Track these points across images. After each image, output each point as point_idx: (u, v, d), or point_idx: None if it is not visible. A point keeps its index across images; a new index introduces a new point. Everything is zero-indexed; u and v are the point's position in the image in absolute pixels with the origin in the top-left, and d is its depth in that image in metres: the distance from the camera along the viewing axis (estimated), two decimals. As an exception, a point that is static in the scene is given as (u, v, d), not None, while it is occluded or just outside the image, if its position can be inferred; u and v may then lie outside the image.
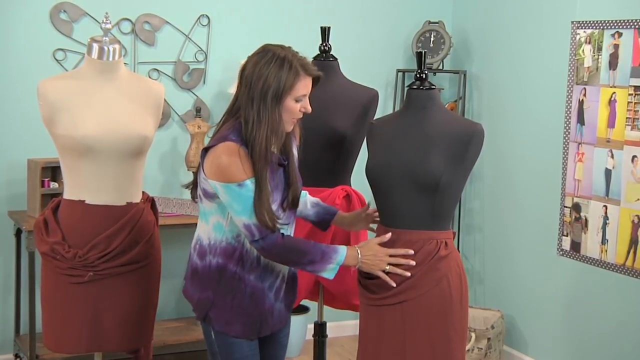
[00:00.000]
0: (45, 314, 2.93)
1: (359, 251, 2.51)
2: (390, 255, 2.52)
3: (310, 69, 2.46)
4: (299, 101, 2.45)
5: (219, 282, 2.50)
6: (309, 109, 2.49)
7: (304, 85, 2.44)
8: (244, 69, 2.45)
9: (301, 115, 2.49)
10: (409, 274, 2.51)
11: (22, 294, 4.04)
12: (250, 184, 2.39)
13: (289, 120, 2.47)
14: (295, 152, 2.59)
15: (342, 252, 2.49)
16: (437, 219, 2.57)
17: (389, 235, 2.54)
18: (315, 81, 2.52)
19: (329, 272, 2.49)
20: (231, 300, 2.50)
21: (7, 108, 4.00)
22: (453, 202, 2.61)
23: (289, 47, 2.48)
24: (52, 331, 2.91)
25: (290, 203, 2.54)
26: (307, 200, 2.77)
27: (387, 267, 2.51)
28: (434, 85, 2.64)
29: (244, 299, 2.49)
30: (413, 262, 2.51)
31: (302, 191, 2.71)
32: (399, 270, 2.51)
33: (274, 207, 2.46)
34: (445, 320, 2.54)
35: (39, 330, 3.28)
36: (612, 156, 3.73)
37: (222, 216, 2.48)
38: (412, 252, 2.52)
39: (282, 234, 2.45)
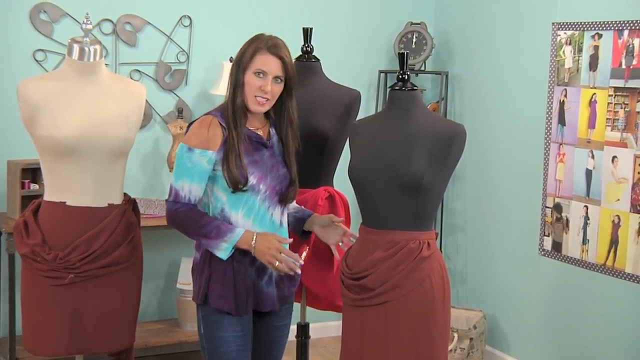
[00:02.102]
0: (25, 316, 2.91)
1: (255, 238, 2.53)
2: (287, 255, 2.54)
3: (272, 47, 2.57)
4: (258, 76, 2.56)
5: (212, 259, 2.59)
6: (267, 88, 2.57)
7: (262, 60, 2.55)
8: None
9: (264, 95, 2.57)
10: (298, 270, 2.55)
11: (1, 297, 4.01)
12: (198, 154, 2.52)
13: (251, 97, 2.57)
14: (292, 148, 2.70)
15: (237, 233, 2.53)
16: (419, 220, 2.57)
17: (290, 240, 2.59)
18: (289, 77, 2.59)
19: (222, 252, 2.53)
20: (223, 274, 2.58)
21: (-14, 109, 3.97)
22: (435, 203, 2.62)
23: (279, 38, 2.62)
24: (32, 334, 2.89)
25: (286, 192, 2.65)
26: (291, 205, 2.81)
27: (277, 264, 2.52)
28: (416, 86, 2.64)
29: (232, 273, 2.58)
30: (299, 270, 2.54)
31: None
32: (285, 269, 2.52)
33: (253, 179, 2.55)
34: (427, 320, 2.55)
35: (19, 333, 3.25)
36: (593, 157, 3.75)
37: (206, 195, 2.60)
38: (290, 240, 2.57)
39: (189, 207, 2.55)
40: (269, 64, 2.56)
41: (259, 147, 2.60)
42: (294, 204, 2.83)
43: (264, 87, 2.56)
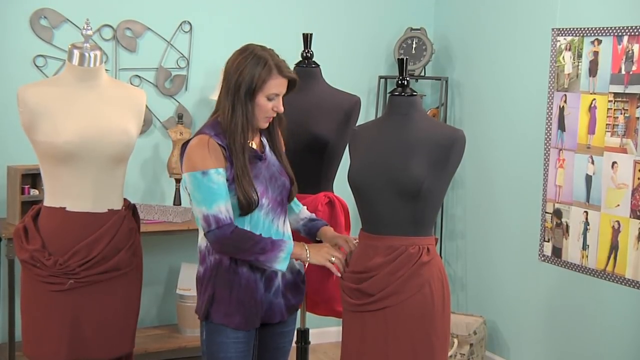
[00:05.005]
0: (25, 322, 2.90)
1: (306, 245, 2.59)
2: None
3: (284, 70, 2.53)
4: (271, 100, 2.53)
5: (217, 277, 2.57)
6: (281, 109, 2.56)
7: (276, 85, 2.52)
8: (226, 65, 2.58)
9: (274, 114, 2.57)
10: (338, 274, 2.61)
11: (1, 302, 4.00)
12: (214, 174, 2.47)
13: (262, 117, 2.56)
14: (281, 145, 2.69)
15: (290, 242, 2.56)
16: (419, 225, 2.57)
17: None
18: (292, 84, 2.59)
19: (281, 263, 2.52)
20: (229, 293, 2.57)
21: (-14, 114, 3.97)
22: (435, 208, 2.62)
23: (270, 49, 2.58)
24: (31, 339, 2.89)
25: (290, 194, 2.66)
26: (302, 212, 2.83)
27: (332, 259, 2.58)
28: (415, 92, 2.65)
29: (240, 291, 2.56)
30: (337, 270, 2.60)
31: (297, 205, 2.82)
32: (334, 269, 2.59)
33: (254, 197, 2.52)
34: (427, 326, 2.54)
35: (19, 338, 3.25)
36: (593, 162, 3.75)
37: None
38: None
39: (236, 227, 2.51)
40: (282, 86, 2.54)
41: (255, 161, 2.57)
42: (304, 213, 2.82)
43: (277, 108, 2.55)
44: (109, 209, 2.88)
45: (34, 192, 3.83)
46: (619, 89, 3.63)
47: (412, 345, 2.54)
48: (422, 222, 2.58)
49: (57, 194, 2.84)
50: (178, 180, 4.21)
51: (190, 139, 2.54)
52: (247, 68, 2.49)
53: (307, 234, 2.82)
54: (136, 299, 2.99)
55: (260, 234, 2.54)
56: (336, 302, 2.96)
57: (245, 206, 2.50)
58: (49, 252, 2.81)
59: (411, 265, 2.53)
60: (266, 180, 2.59)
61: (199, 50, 4.34)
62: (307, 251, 2.57)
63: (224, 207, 2.47)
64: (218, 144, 2.50)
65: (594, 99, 3.75)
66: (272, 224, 2.60)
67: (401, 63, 2.66)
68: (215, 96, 4.20)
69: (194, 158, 2.49)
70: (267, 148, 2.65)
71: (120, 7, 4.16)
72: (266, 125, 2.59)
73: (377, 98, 4.73)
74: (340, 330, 2.78)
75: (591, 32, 3.75)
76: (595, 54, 3.73)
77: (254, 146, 2.61)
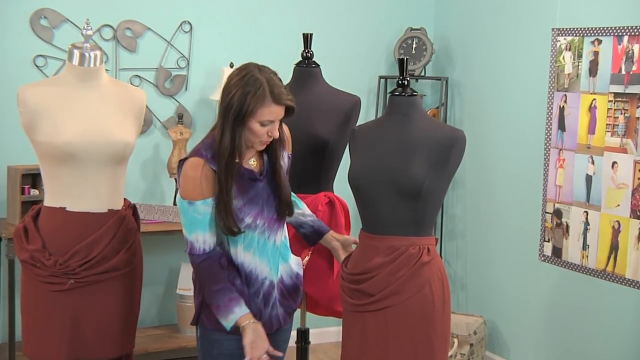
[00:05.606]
0: (25, 322, 2.90)
1: (251, 328, 2.48)
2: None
3: (280, 97, 2.42)
4: (264, 125, 2.43)
5: None
6: (276, 134, 2.47)
7: (270, 112, 2.42)
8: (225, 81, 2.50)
9: (269, 139, 2.48)
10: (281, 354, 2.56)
11: (1, 302, 4.00)
12: (201, 205, 2.43)
13: (256, 142, 2.47)
14: (285, 163, 2.61)
15: (235, 318, 2.47)
16: (419, 225, 2.57)
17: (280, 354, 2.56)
18: (290, 110, 2.49)
19: (225, 324, 2.50)
20: None
21: (-14, 114, 3.97)
22: (435, 208, 2.62)
23: (271, 70, 2.47)
24: (32, 339, 2.89)
25: (280, 213, 2.57)
26: (305, 211, 2.81)
27: (264, 356, 2.48)
28: (415, 92, 2.65)
29: None
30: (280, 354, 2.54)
31: (300, 202, 2.79)
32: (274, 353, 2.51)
33: (249, 220, 2.49)
34: (427, 326, 2.55)
35: (19, 338, 3.25)
36: (593, 162, 3.75)
37: None
38: (281, 355, 2.55)
39: (206, 259, 2.47)
40: (276, 113, 2.43)
41: (252, 182, 2.51)
42: (307, 211, 2.81)
43: (271, 133, 2.46)
44: (109, 209, 2.88)
45: (34, 192, 3.83)
46: (619, 89, 3.63)
47: (412, 345, 2.54)
48: (423, 222, 2.58)
49: (57, 194, 2.84)
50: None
51: (188, 157, 2.48)
52: (239, 92, 2.39)
53: (306, 236, 2.80)
54: (136, 299, 2.99)
55: (224, 282, 2.48)
56: (336, 302, 2.96)
57: (227, 230, 2.47)
58: (49, 252, 2.81)
59: (411, 266, 2.53)
60: (263, 200, 2.53)
61: (199, 50, 4.34)
62: (245, 332, 2.47)
63: (201, 237, 2.46)
64: (212, 169, 2.43)
65: (594, 99, 3.75)
66: (267, 240, 2.55)
67: (401, 63, 2.66)
68: (215, 96, 4.21)
69: (185, 184, 2.45)
70: (269, 165, 2.57)
71: (120, 7, 4.16)
72: (262, 148, 2.51)
73: (377, 98, 4.73)
74: (340, 330, 2.78)
75: (591, 32, 3.75)
76: (596, 54, 3.73)
77: (253, 164, 2.53)
